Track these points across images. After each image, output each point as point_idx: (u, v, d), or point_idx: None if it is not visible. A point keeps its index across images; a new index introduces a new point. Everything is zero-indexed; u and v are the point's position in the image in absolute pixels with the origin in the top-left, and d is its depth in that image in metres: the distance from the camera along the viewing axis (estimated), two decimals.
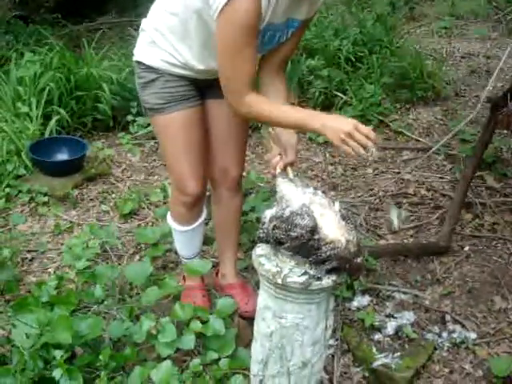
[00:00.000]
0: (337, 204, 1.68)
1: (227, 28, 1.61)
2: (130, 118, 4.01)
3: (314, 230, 1.50)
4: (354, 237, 1.57)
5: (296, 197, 1.60)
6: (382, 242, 2.87)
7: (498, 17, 6.70)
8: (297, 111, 1.74)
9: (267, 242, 1.61)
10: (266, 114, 1.69)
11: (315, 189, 1.67)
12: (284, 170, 1.82)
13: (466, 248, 2.84)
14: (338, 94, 4.31)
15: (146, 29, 1.96)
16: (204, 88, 2.03)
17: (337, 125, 1.60)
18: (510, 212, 3.09)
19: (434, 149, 3.21)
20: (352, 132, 1.57)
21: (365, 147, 1.60)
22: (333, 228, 1.55)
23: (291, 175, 1.82)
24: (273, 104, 1.75)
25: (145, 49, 1.96)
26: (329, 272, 1.54)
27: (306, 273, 1.55)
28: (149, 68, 1.95)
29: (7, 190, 3.28)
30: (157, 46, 1.92)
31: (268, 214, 1.60)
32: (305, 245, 1.51)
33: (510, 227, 2.96)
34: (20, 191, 3.29)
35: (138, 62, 1.99)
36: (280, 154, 1.84)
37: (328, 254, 1.51)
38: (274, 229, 1.55)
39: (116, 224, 3.01)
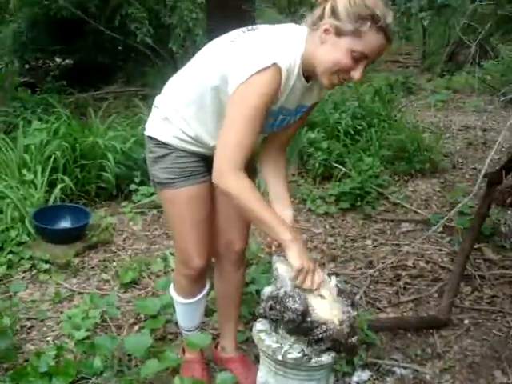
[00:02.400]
0: (333, 279, 1.71)
1: (246, 98, 1.66)
2: (133, 186, 4.08)
3: (305, 313, 1.53)
4: (348, 316, 1.59)
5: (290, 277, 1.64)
6: (382, 315, 2.87)
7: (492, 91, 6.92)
8: (280, 219, 1.77)
9: (266, 318, 1.64)
10: (253, 198, 1.69)
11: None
12: (279, 246, 1.82)
13: (466, 321, 2.83)
14: (338, 165, 4.40)
15: (160, 105, 2.02)
16: (212, 164, 2.08)
17: (304, 253, 1.71)
18: (508, 285, 3.10)
19: (435, 227, 3.25)
20: (309, 269, 1.67)
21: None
22: (326, 309, 1.58)
23: None
24: (261, 197, 1.74)
25: (157, 125, 2.01)
26: (324, 351, 1.56)
27: (303, 351, 1.57)
28: (160, 143, 1.99)
29: (9, 256, 3.30)
30: (170, 122, 1.97)
31: (266, 292, 1.63)
32: (299, 327, 1.54)
33: (508, 300, 2.96)
34: (22, 258, 3.31)
35: (150, 138, 2.02)
36: None
37: (321, 336, 1.53)
38: (270, 309, 1.58)
39: (116, 293, 3.02)
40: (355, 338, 1.62)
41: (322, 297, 1.63)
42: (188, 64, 1.97)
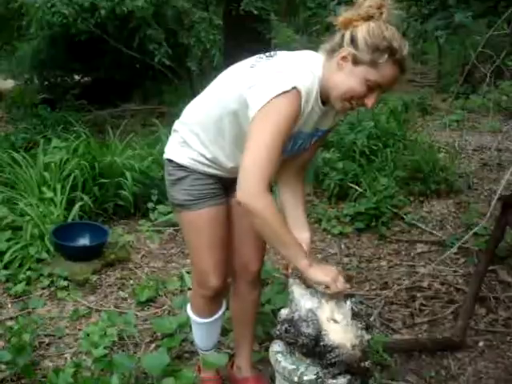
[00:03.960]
0: (348, 302, 1.73)
1: (268, 121, 1.69)
2: (150, 205, 4.13)
3: (318, 338, 1.56)
4: (361, 340, 1.61)
5: (304, 300, 1.67)
6: (397, 336, 2.88)
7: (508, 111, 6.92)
8: (294, 240, 1.79)
9: (282, 339, 1.67)
10: (276, 222, 1.71)
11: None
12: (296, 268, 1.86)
13: (481, 343, 2.83)
14: (353, 185, 4.42)
15: (179, 129, 2.07)
16: (229, 186, 2.12)
17: (326, 269, 1.76)
18: None
19: (451, 251, 3.26)
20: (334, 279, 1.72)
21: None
22: (339, 333, 1.60)
23: None
24: (282, 218, 1.79)
25: (176, 148, 2.06)
26: (338, 374, 1.58)
27: (317, 373, 1.59)
28: (179, 166, 2.04)
29: (28, 273, 3.36)
30: (188, 145, 2.02)
31: (282, 314, 1.66)
32: (312, 350, 1.56)
33: None
34: (41, 275, 3.37)
35: (169, 160, 2.07)
36: None
37: (333, 360, 1.56)
38: (286, 331, 1.61)
39: (133, 311, 3.05)
40: (368, 361, 1.64)
41: (335, 321, 1.65)
42: (207, 89, 2.02)
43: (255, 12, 5.29)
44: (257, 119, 1.71)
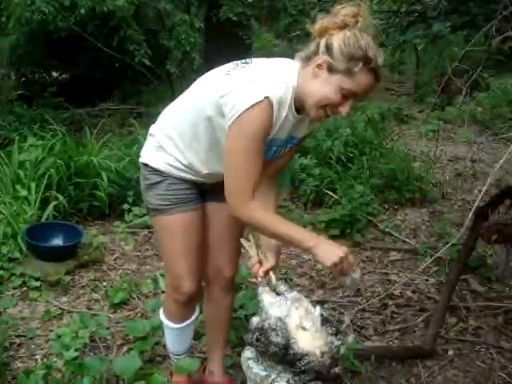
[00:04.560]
0: (317, 309, 1.74)
1: (243, 132, 1.73)
2: (125, 206, 4.12)
3: (287, 346, 1.57)
4: (329, 347, 1.62)
5: (274, 309, 1.68)
6: (368, 343, 2.90)
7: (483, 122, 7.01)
8: (297, 228, 1.84)
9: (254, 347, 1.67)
10: (268, 221, 1.80)
11: (298, 292, 1.76)
12: (266, 275, 1.88)
13: (450, 352, 2.86)
14: (329, 192, 4.45)
15: (155, 134, 2.07)
16: (204, 191, 2.13)
17: (331, 248, 1.75)
18: (493, 317, 3.13)
19: (427, 262, 3.29)
20: (343, 258, 1.73)
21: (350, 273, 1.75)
22: (308, 340, 1.61)
23: (274, 280, 1.87)
24: (275, 215, 1.87)
25: (152, 153, 2.06)
26: (310, 381, 1.59)
27: (288, 380, 1.60)
28: (155, 171, 2.04)
29: (0, 272, 3.32)
30: (164, 150, 2.02)
31: (254, 322, 1.67)
32: (282, 359, 1.58)
33: (492, 332, 3.00)
34: (13, 274, 3.34)
35: (145, 165, 2.07)
36: (260, 262, 1.93)
37: (303, 368, 1.57)
38: (257, 340, 1.62)
39: (106, 313, 3.04)
40: (338, 368, 1.65)
41: (304, 328, 1.65)
42: (183, 94, 2.04)
43: (234, 18, 5.32)
44: (232, 132, 1.75)
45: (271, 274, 1.89)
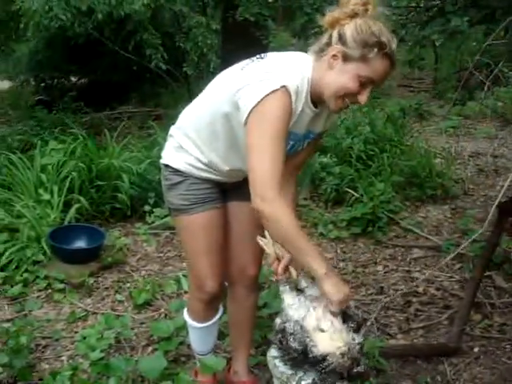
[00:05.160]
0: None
1: (264, 118, 1.69)
2: (147, 208, 4.14)
3: (305, 351, 1.56)
4: (350, 346, 1.60)
5: (293, 311, 1.67)
6: (392, 341, 2.89)
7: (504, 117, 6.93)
8: (311, 246, 1.73)
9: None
10: (286, 222, 1.68)
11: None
12: (286, 271, 1.83)
13: (476, 349, 2.83)
14: (349, 190, 4.43)
15: (174, 134, 2.08)
16: (226, 191, 2.13)
17: (338, 283, 1.70)
18: None
19: (449, 257, 3.26)
20: (349, 298, 1.71)
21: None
22: (327, 342, 1.59)
23: (294, 275, 1.82)
24: (295, 220, 1.73)
25: (172, 153, 2.07)
26: (335, 381, 1.59)
27: (314, 379, 1.60)
28: (175, 171, 2.05)
29: (25, 275, 3.36)
30: (184, 150, 2.03)
31: (277, 323, 1.66)
32: (304, 361, 1.57)
33: None
34: (37, 277, 3.37)
35: (166, 165, 2.08)
36: (278, 258, 1.85)
37: (325, 370, 1.56)
38: (280, 342, 1.61)
39: (130, 314, 3.05)
40: (361, 366, 1.63)
41: (321, 330, 1.63)
42: (201, 94, 2.04)
43: (252, 19, 5.31)
44: (251, 123, 1.71)
45: (291, 269, 1.83)
